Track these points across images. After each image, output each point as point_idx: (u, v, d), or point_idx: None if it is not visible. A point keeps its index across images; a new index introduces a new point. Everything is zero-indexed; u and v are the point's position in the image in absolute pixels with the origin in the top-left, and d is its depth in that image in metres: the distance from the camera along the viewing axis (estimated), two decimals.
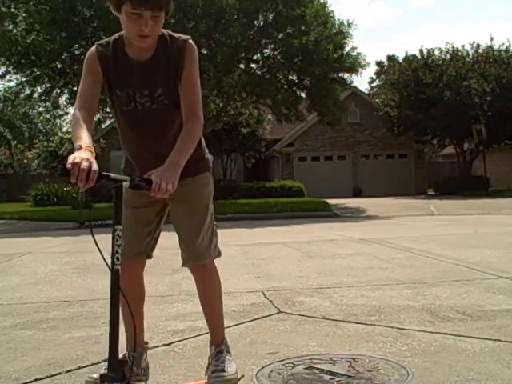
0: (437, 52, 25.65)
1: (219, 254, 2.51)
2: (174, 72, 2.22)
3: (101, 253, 1.98)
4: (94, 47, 2.26)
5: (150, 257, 2.50)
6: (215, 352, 2.42)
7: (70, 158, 1.82)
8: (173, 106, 2.24)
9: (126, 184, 1.93)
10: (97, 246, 1.98)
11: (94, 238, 1.96)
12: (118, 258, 1.97)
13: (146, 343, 2.54)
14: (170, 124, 2.27)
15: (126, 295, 2.01)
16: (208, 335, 2.58)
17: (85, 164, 1.79)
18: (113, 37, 2.26)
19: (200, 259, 2.38)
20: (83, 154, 1.85)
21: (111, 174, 1.92)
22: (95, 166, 1.82)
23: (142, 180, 1.96)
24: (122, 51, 2.22)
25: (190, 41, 2.30)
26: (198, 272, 2.42)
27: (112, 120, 23.81)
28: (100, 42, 2.29)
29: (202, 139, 2.36)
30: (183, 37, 2.29)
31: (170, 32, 2.27)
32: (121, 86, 2.24)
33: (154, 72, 2.22)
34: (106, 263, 1.96)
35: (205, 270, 2.42)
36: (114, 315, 1.98)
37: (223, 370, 2.32)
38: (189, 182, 2.28)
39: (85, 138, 1.98)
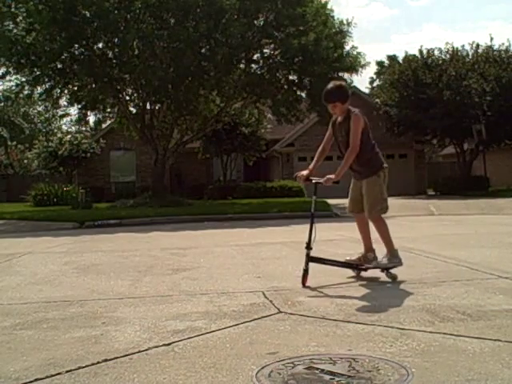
0: (436, 52, 25.60)
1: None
2: (349, 126, 4.75)
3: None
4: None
5: (363, 211, 4.99)
6: (386, 254, 4.95)
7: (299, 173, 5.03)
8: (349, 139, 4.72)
9: (314, 181, 4.88)
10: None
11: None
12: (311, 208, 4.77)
13: (373, 250, 5.09)
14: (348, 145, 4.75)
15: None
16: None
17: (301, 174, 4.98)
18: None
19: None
20: (304, 172, 4.99)
21: (313, 178, 4.90)
22: (304, 174, 4.94)
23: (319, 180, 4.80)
24: (336, 118, 4.95)
25: (356, 113, 4.76)
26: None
27: (112, 120, 23.84)
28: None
29: (376, 157, 4.95)
30: (352, 110, 4.80)
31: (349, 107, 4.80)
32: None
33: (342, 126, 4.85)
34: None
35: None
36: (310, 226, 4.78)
37: (382, 262, 4.92)
38: (366, 180, 4.90)
39: (311, 164, 4.98)
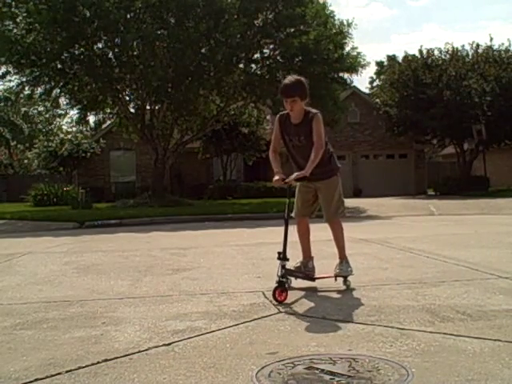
0: (436, 52, 25.64)
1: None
2: (309, 129, 4.37)
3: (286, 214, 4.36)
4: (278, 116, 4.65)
5: (310, 217, 4.82)
6: (340, 261, 4.69)
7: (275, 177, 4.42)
8: (309, 143, 4.41)
9: (286, 180, 4.41)
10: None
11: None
12: (288, 214, 4.40)
13: (312, 257, 4.84)
14: (307, 150, 4.41)
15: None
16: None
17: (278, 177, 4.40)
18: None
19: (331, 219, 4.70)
20: (279, 175, 4.40)
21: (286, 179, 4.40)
22: (282, 178, 4.37)
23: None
24: (289, 119, 4.52)
25: (318, 114, 4.41)
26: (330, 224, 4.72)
27: (112, 121, 23.83)
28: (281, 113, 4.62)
29: (333, 158, 4.67)
30: (313, 111, 4.44)
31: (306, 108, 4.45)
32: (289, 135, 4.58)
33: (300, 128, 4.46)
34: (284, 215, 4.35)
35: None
36: (285, 233, 4.26)
37: (341, 269, 4.62)
38: (324, 182, 4.62)
39: (278, 168, 4.55)
